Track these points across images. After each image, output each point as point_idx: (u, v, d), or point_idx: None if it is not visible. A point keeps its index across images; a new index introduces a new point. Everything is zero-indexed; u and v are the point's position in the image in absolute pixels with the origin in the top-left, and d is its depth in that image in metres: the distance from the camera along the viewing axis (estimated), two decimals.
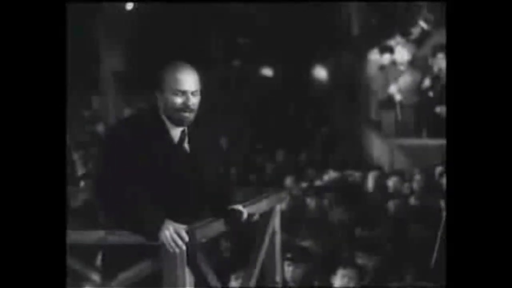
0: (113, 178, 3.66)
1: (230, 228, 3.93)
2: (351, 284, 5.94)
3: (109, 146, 3.80)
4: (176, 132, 3.79)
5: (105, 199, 3.71)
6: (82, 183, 10.43)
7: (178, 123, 3.76)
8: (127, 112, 13.59)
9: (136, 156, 3.68)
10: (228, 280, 5.84)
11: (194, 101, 3.74)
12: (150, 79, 3.85)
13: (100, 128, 13.14)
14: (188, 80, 3.73)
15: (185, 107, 3.71)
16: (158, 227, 3.53)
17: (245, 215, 3.90)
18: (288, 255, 6.05)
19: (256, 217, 4.06)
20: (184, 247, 3.52)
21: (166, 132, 3.77)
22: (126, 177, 3.64)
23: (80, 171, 11.96)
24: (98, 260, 6.06)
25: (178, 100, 3.71)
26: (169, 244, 3.52)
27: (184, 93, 3.71)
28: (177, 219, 3.58)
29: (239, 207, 3.91)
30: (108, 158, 3.77)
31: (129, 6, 13.38)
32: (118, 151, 3.71)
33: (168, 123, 3.77)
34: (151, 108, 3.82)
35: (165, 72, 3.74)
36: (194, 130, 3.82)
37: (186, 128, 3.80)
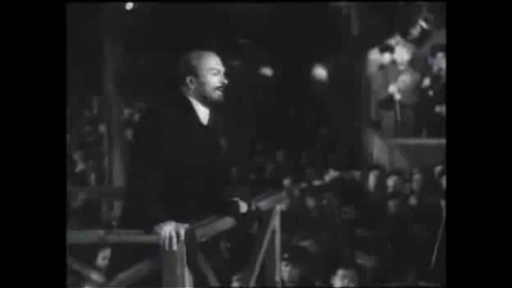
0: (142, 165, 3.80)
1: (233, 222, 4.04)
2: (351, 284, 5.94)
3: (141, 134, 3.97)
4: (204, 114, 4.04)
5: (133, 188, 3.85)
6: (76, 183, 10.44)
7: (214, 102, 4.03)
8: (127, 112, 13.59)
9: (169, 140, 3.86)
10: (228, 280, 5.84)
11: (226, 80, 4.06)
12: (176, 69, 4.06)
13: (102, 128, 13.12)
14: (219, 61, 4.06)
15: (222, 84, 4.03)
16: (160, 222, 3.59)
17: (243, 209, 4.07)
18: (285, 255, 6.05)
19: (260, 207, 4.17)
20: (175, 247, 3.54)
21: (194, 112, 4.01)
22: (156, 163, 3.79)
23: (79, 167, 11.98)
24: (99, 260, 6.08)
25: (216, 79, 4.03)
26: (165, 240, 3.54)
27: (219, 72, 4.04)
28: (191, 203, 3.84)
29: (238, 200, 4.08)
30: (139, 145, 3.93)
31: (129, 6, 13.37)
32: (149, 138, 3.87)
33: (197, 105, 4.01)
34: (177, 94, 4.03)
35: (195, 57, 4.03)
36: (218, 113, 4.11)
37: (211, 111, 4.06)
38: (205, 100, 4.02)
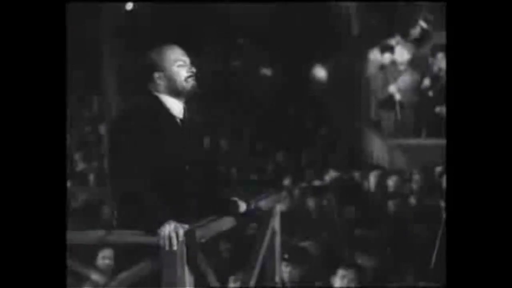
0: (124, 168, 3.76)
1: (233, 221, 4.03)
2: (351, 285, 5.94)
3: (116, 138, 3.93)
4: (178, 108, 3.99)
5: (117, 191, 3.82)
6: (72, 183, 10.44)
7: (188, 93, 3.99)
8: None
9: (145, 140, 3.81)
10: (227, 281, 5.84)
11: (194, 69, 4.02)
12: (141, 70, 4.05)
13: (103, 128, 13.14)
14: (183, 53, 4.04)
15: (192, 73, 3.99)
16: (160, 222, 3.57)
17: (242, 209, 4.04)
18: (285, 256, 6.04)
19: (260, 207, 4.17)
20: (175, 247, 3.54)
21: (167, 110, 3.96)
22: (137, 164, 3.75)
23: (80, 168, 11.98)
24: (99, 260, 6.08)
25: (183, 70, 3.98)
26: (164, 240, 3.54)
27: (185, 62, 4.00)
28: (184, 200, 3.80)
29: (237, 200, 4.05)
30: (116, 149, 3.88)
31: (129, 6, 13.37)
32: (125, 141, 3.82)
33: (169, 100, 3.97)
34: (145, 93, 4.00)
35: (157, 53, 4.00)
36: (191, 104, 4.06)
37: (185, 104, 4.02)
38: (178, 92, 3.99)
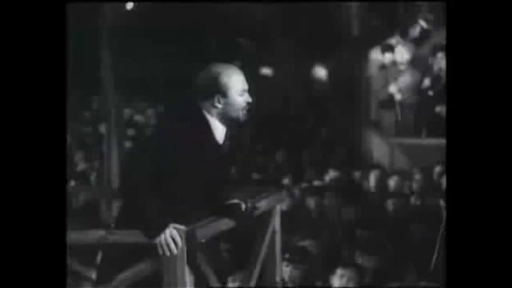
0: (143, 173, 3.68)
1: (234, 223, 4.00)
2: (350, 284, 5.94)
3: (153, 143, 3.85)
4: (221, 133, 3.90)
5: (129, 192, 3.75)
6: (74, 182, 10.43)
7: (237, 122, 3.90)
8: (127, 112, 13.58)
9: (181, 154, 3.75)
10: (227, 281, 5.83)
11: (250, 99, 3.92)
12: (200, 85, 3.89)
13: (103, 128, 13.13)
14: (244, 80, 3.91)
15: (248, 104, 3.89)
16: (159, 230, 3.56)
17: (243, 208, 4.01)
18: (287, 256, 6.04)
19: (258, 206, 4.15)
20: (175, 251, 3.54)
21: (211, 133, 3.87)
22: (159, 173, 3.70)
23: (80, 167, 11.97)
24: (98, 260, 6.07)
25: (242, 99, 3.88)
26: (162, 246, 3.54)
27: (245, 91, 3.90)
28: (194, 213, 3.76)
29: (236, 201, 4.01)
30: (145, 153, 3.78)
31: (129, 6, 13.38)
32: (157, 152, 3.74)
33: (216, 123, 3.88)
34: (196, 111, 3.86)
35: (225, 75, 3.84)
36: (235, 132, 4.00)
37: (228, 129, 3.93)
38: (229, 120, 3.89)
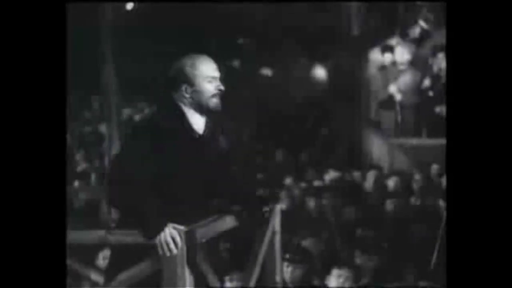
0: (129, 174, 3.70)
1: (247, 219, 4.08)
2: (347, 284, 5.94)
3: (130, 142, 3.89)
4: (199, 123, 3.93)
5: (116, 194, 3.77)
6: (77, 183, 10.43)
7: (210, 110, 3.92)
8: (127, 112, 13.58)
9: (160, 150, 3.76)
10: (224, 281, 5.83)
11: (222, 86, 3.94)
12: (170, 77, 3.95)
13: (103, 128, 13.13)
14: (215, 67, 3.95)
15: (219, 91, 3.92)
16: (158, 230, 3.56)
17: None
18: (287, 256, 6.04)
19: (266, 210, 4.20)
20: (175, 251, 3.54)
21: (187, 121, 3.90)
22: (145, 171, 3.72)
23: (80, 168, 11.97)
24: (100, 260, 6.08)
25: (212, 86, 3.91)
26: (161, 246, 3.54)
27: (215, 78, 3.93)
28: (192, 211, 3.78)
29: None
30: (126, 153, 3.83)
31: (129, 6, 13.38)
32: (138, 148, 3.77)
33: (191, 114, 3.90)
34: (170, 102, 3.92)
35: (190, 65, 3.90)
36: (215, 120, 3.99)
37: (208, 119, 3.95)
38: (201, 108, 3.91)
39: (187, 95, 3.89)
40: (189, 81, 3.89)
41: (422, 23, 12.97)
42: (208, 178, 3.94)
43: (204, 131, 3.94)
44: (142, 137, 3.80)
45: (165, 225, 3.57)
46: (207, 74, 3.91)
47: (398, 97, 12.48)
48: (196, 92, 3.89)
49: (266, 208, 4.18)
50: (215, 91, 3.91)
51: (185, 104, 3.91)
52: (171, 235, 3.55)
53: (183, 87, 3.89)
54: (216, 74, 3.94)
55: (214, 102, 3.92)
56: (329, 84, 15.61)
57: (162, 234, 3.55)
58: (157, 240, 3.55)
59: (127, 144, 3.94)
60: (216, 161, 3.99)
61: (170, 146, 3.79)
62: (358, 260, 6.52)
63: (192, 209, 3.86)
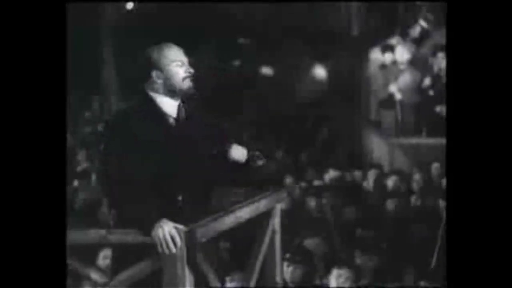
0: (115, 169, 3.76)
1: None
2: (347, 284, 5.94)
3: (107, 139, 3.93)
4: (172, 107, 3.98)
5: (109, 192, 3.83)
6: (76, 182, 10.42)
7: (184, 93, 3.98)
8: None
9: (137, 141, 3.81)
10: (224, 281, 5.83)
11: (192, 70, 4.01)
12: (139, 67, 4.05)
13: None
14: (182, 52, 4.03)
15: (190, 74, 3.99)
16: (152, 224, 3.56)
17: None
18: (287, 256, 6.04)
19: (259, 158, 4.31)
20: (174, 250, 3.54)
21: (157, 106, 3.96)
22: (128, 165, 3.75)
23: (80, 168, 11.97)
24: (100, 259, 6.07)
25: (181, 69, 3.98)
26: (160, 244, 3.54)
27: (183, 62, 4.00)
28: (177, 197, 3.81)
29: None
30: (108, 150, 3.88)
31: (129, 6, 13.38)
32: (117, 142, 3.83)
33: (164, 99, 3.96)
34: (140, 92, 4.01)
35: (156, 52, 3.99)
36: (187, 105, 4.05)
37: (181, 103, 4.01)
38: (175, 92, 3.97)
39: (159, 81, 3.97)
40: (158, 67, 3.96)
41: (422, 22, 12.98)
42: (190, 160, 3.96)
43: (178, 114, 3.99)
44: (116, 132, 3.87)
45: (156, 219, 3.58)
46: (174, 58, 3.98)
47: (398, 96, 12.49)
48: (167, 77, 3.97)
49: (256, 152, 4.22)
50: (185, 74, 3.98)
51: (157, 91, 3.97)
52: (171, 235, 3.54)
53: (153, 74, 3.97)
54: (184, 58, 4.01)
55: (187, 84, 3.98)
56: (329, 84, 15.60)
57: (160, 231, 3.55)
58: (155, 237, 3.55)
59: (104, 141, 3.96)
60: (195, 143, 4.02)
61: (144, 133, 3.84)
62: (358, 260, 6.52)
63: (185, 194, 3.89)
